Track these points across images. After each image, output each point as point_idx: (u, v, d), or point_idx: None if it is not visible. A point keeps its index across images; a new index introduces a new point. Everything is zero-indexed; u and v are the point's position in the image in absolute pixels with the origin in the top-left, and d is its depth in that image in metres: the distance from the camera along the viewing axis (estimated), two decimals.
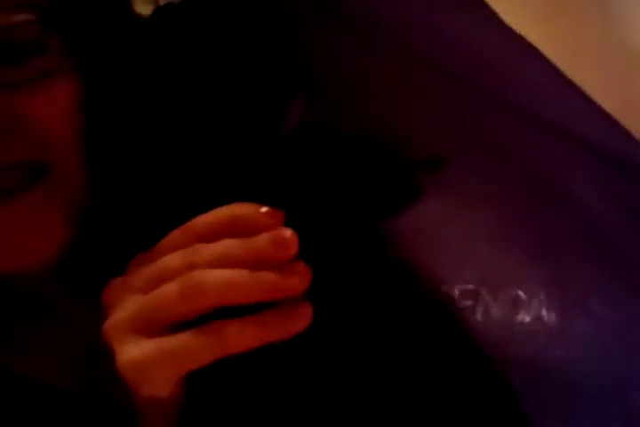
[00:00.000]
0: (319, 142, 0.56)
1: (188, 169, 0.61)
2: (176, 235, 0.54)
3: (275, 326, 0.51)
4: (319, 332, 0.51)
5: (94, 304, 0.65)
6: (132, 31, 0.65)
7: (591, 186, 0.52)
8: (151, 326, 0.52)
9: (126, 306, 0.53)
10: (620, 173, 0.51)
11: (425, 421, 0.53)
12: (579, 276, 0.52)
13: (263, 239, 0.51)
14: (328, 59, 0.58)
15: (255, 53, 0.60)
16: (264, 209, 0.53)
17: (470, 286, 0.52)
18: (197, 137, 0.60)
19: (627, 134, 0.52)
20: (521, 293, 0.51)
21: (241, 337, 0.51)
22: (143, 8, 0.68)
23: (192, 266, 0.52)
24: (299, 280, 0.51)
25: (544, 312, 0.51)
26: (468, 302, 0.52)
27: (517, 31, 0.53)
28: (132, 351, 0.52)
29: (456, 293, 0.52)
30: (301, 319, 0.51)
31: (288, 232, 0.52)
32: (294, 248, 0.51)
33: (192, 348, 0.51)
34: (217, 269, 0.51)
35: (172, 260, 0.53)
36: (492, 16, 0.54)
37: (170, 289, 0.52)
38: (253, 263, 0.51)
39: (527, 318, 0.51)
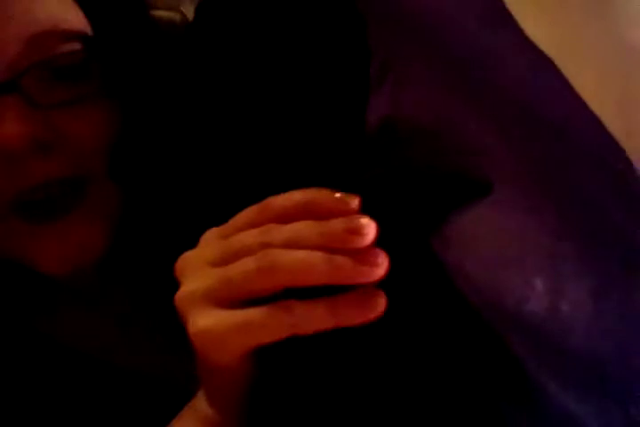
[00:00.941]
0: (400, 138, 0.55)
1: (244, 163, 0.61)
2: (251, 213, 0.54)
3: (345, 312, 0.50)
4: (389, 321, 0.51)
5: (125, 289, 0.74)
6: (166, 53, 0.69)
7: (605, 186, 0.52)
8: (225, 299, 0.52)
9: (202, 277, 0.54)
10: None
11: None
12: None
13: (337, 225, 0.51)
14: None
15: (336, 39, 0.58)
16: (338, 194, 0.52)
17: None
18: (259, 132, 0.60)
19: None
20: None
21: (310, 318, 0.51)
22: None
23: (267, 245, 0.52)
24: (374, 269, 0.50)
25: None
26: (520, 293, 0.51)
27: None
28: (205, 320, 0.53)
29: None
30: (374, 308, 0.50)
31: (364, 220, 0.50)
32: (370, 236, 0.50)
33: (262, 323, 0.51)
34: (291, 249, 0.51)
35: (247, 237, 0.53)
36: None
37: (247, 265, 0.52)
38: (328, 247, 0.50)
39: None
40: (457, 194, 0.53)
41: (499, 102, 0.53)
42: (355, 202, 0.51)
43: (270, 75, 0.59)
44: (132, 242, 0.72)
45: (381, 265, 0.50)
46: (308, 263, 0.50)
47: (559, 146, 0.53)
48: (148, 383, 0.73)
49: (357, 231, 0.50)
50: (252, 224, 0.53)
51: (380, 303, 0.50)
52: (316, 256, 0.50)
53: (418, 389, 0.53)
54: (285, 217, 0.52)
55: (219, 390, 0.58)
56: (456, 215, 0.52)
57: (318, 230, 0.51)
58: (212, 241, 0.55)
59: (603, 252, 0.52)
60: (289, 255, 0.51)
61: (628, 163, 0.52)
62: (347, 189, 0.53)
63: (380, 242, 0.51)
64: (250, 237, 0.53)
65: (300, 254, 0.51)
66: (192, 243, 0.57)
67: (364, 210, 0.52)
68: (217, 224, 0.56)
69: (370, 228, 0.50)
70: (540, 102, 0.53)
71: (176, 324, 0.55)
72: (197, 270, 0.54)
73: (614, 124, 0.51)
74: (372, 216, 0.51)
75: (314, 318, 0.51)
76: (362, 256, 0.50)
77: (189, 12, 0.73)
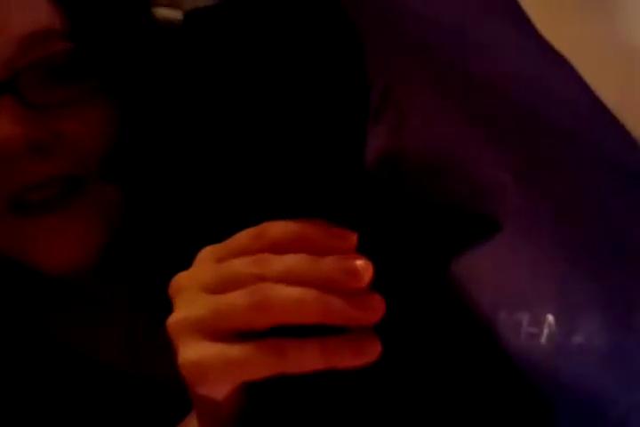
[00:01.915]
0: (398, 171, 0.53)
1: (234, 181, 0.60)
2: (247, 238, 0.53)
3: (337, 355, 0.49)
4: (386, 362, 0.50)
5: (126, 290, 0.73)
6: (164, 52, 0.68)
7: (616, 196, 0.50)
8: (215, 331, 0.52)
9: (194, 305, 0.53)
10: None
11: None
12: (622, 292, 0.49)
13: (332, 264, 0.50)
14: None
15: (336, 67, 0.57)
16: (337, 229, 0.51)
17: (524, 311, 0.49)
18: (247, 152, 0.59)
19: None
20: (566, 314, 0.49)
21: (300, 359, 0.50)
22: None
23: (260, 277, 0.51)
24: (369, 313, 0.49)
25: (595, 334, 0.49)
26: (532, 329, 0.49)
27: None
28: (193, 352, 0.52)
29: (511, 318, 0.49)
30: (367, 354, 0.49)
31: (360, 262, 0.49)
32: (365, 278, 0.49)
33: (251, 360, 0.50)
34: (286, 283, 0.50)
35: (242, 266, 0.52)
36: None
37: (238, 299, 0.51)
38: (323, 284, 0.50)
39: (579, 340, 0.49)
40: (462, 233, 0.51)
41: (510, 132, 0.51)
42: (352, 240, 0.51)
43: (264, 94, 0.58)
44: (133, 242, 0.71)
45: (376, 309, 0.49)
46: (301, 302, 0.49)
47: (573, 177, 0.51)
48: (148, 384, 0.72)
49: (352, 273, 0.49)
50: (247, 250, 0.52)
51: (374, 350, 0.49)
52: (309, 295, 0.49)
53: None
54: (280, 247, 0.51)
55: (208, 417, 0.57)
56: (461, 255, 0.51)
57: (313, 267, 0.50)
58: (206, 263, 0.54)
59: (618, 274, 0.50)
60: (281, 292, 0.50)
61: None
62: (345, 223, 0.51)
63: (379, 281, 0.49)
64: (244, 266, 0.52)
65: (293, 292, 0.50)
66: (191, 245, 0.56)
67: (362, 247, 0.50)
68: (214, 230, 0.56)
69: (365, 270, 0.49)
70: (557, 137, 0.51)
71: None
72: (190, 295, 0.53)
73: None
74: (370, 254, 0.50)
75: (304, 360, 0.50)
76: (357, 299, 0.49)
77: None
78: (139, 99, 0.67)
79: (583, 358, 0.49)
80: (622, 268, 0.50)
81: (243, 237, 0.53)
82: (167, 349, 0.72)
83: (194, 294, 0.53)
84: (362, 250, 0.50)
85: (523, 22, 0.52)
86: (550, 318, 0.49)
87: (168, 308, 0.55)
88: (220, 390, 0.53)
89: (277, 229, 0.52)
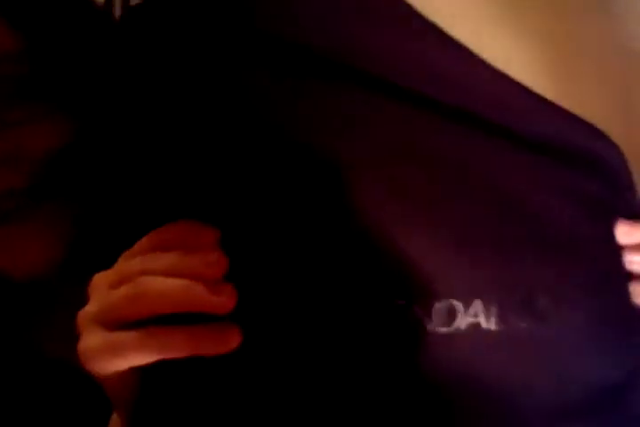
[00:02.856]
0: None
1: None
2: (146, 240, 0.59)
3: (201, 342, 0.56)
4: (248, 351, 0.56)
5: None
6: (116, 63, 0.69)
7: (542, 186, 0.53)
8: (109, 322, 0.57)
9: (98, 299, 0.59)
10: (572, 168, 0.51)
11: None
12: (524, 276, 0.53)
13: (197, 258, 0.57)
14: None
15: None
16: (199, 227, 0.58)
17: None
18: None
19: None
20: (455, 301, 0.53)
21: (169, 345, 0.56)
22: None
23: (144, 272, 0.57)
24: (223, 299, 0.56)
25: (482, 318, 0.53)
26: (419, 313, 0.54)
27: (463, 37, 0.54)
28: (87, 340, 0.58)
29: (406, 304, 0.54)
30: (227, 342, 0.56)
31: (214, 255, 0.57)
32: (221, 269, 0.56)
33: (129, 346, 0.56)
34: (165, 277, 0.56)
35: (133, 264, 0.58)
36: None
37: (122, 291, 0.57)
38: (194, 277, 0.56)
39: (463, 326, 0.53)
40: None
41: None
42: (212, 235, 0.58)
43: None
44: (90, 251, 0.71)
45: (230, 296, 0.56)
46: (169, 291, 0.55)
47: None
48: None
49: (210, 264, 0.56)
50: (143, 251, 0.58)
51: (234, 338, 0.56)
52: (178, 285, 0.56)
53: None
54: (167, 246, 0.57)
55: (116, 401, 0.62)
56: None
57: (183, 261, 0.57)
58: (119, 263, 0.59)
59: None
60: (156, 283, 0.56)
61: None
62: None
63: (237, 275, 0.56)
64: (135, 263, 0.58)
65: (166, 283, 0.56)
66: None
67: (225, 245, 0.57)
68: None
69: (220, 262, 0.56)
70: None
71: None
72: (99, 291, 0.59)
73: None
74: (228, 250, 0.57)
75: (173, 346, 0.56)
76: (215, 288, 0.56)
77: None
78: (94, 114, 0.68)
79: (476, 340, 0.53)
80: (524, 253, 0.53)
81: (144, 239, 0.59)
82: None
83: (102, 290, 0.59)
84: (224, 247, 0.58)
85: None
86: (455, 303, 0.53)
87: None
88: (109, 374, 0.57)
89: (162, 229, 0.58)
